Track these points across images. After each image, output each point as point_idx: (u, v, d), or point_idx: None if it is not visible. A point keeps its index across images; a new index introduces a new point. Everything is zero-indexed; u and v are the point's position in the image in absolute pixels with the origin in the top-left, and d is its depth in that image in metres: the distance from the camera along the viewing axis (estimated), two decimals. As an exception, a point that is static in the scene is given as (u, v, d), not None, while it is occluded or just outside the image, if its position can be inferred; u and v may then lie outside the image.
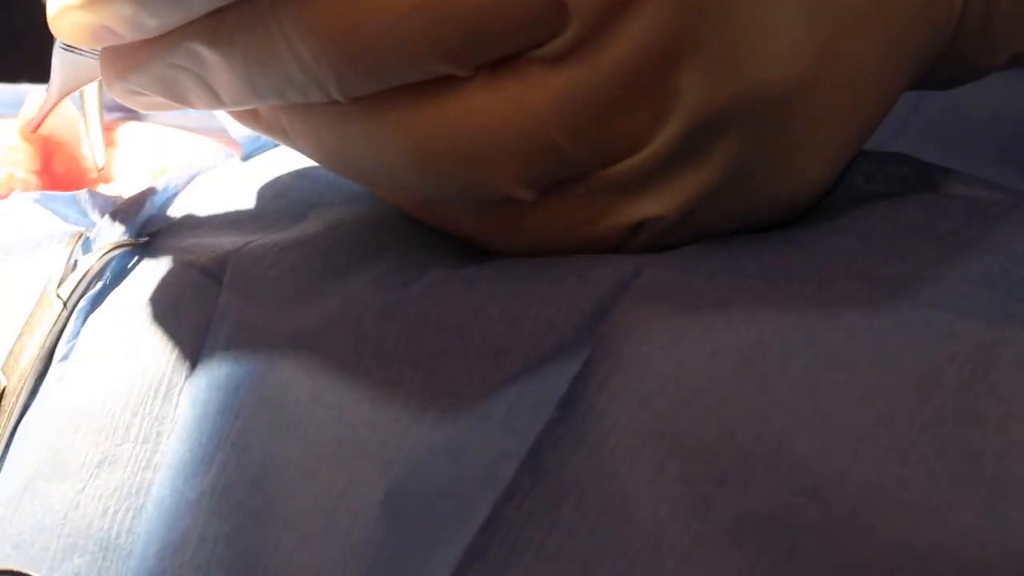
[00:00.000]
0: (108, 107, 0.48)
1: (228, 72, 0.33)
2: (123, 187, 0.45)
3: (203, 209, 0.42)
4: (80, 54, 0.41)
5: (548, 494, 0.30)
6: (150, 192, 0.42)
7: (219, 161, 0.44)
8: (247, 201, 0.42)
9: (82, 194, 0.42)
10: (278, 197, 0.41)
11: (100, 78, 0.38)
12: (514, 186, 0.33)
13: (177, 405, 0.35)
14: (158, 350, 0.36)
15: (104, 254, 0.39)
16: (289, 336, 0.34)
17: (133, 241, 0.40)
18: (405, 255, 0.36)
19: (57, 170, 0.46)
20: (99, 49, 0.36)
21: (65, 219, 0.42)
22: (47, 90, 0.43)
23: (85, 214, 0.42)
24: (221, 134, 0.46)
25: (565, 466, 0.30)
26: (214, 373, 0.35)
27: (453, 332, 0.33)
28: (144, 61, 0.34)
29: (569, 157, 0.32)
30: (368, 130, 0.33)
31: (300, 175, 0.42)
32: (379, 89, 0.32)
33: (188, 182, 0.43)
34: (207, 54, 0.33)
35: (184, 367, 0.36)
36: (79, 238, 0.40)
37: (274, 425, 0.33)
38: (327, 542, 0.32)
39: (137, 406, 0.36)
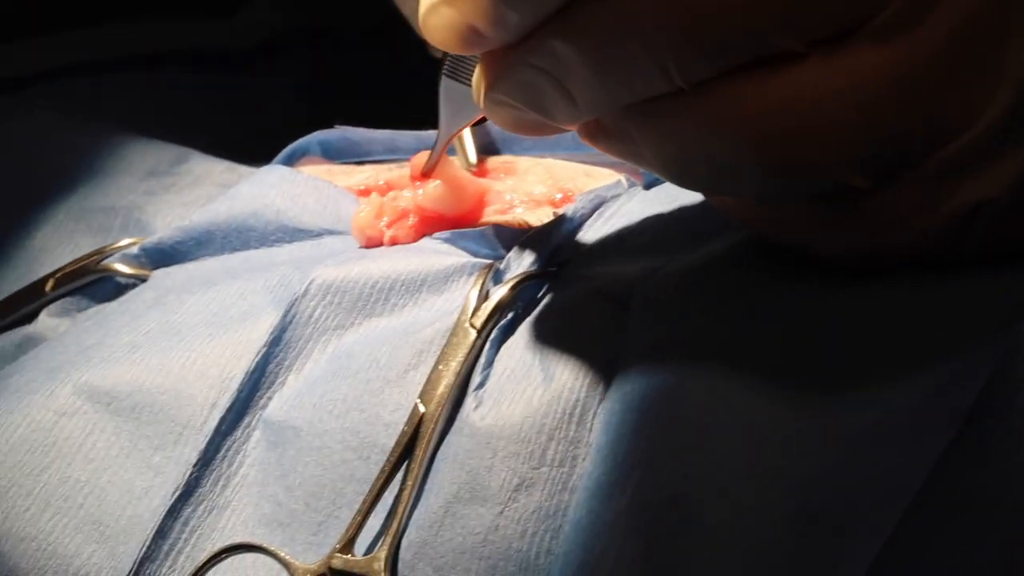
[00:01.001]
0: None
1: (582, 66, 0.33)
2: (528, 220, 0.45)
3: (608, 238, 0.42)
4: (463, 82, 0.42)
5: (954, 505, 0.31)
6: (556, 223, 0.43)
7: (622, 191, 0.45)
8: (651, 229, 0.42)
9: (489, 229, 0.43)
10: (681, 224, 0.41)
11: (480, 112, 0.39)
12: (849, 170, 0.32)
13: (591, 428, 0.36)
14: (570, 376, 0.37)
15: (514, 284, 0.40)
16: (699, 356, 0.34)
17: (542, 271, 0.41)
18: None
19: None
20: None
21: (475, 254, 0.43)
22: (438, 132, 0.45)
23: (494, 248, 0.43)
24: (622, 165, 0.47)
25: (972, 478, 0.31)
26: (627, 395, 0.35)
27: (856, 352, 0.33)
28: (509, 66, 0.35)
29: (901, 133, 0.32)
30: (709, 119, 0.33)
31: (702, 204, 0.42)
32: (718, 70, 0.32)
33: (593, 212, 0.44)
34: (564, 50, 0.33)
35: (597, 391, 0.36)
36: (490, 270, 0.41)
37: (688, 443, 0.33)
38: (740, 556, 0.32)
39: (552, 430, 0.36)
